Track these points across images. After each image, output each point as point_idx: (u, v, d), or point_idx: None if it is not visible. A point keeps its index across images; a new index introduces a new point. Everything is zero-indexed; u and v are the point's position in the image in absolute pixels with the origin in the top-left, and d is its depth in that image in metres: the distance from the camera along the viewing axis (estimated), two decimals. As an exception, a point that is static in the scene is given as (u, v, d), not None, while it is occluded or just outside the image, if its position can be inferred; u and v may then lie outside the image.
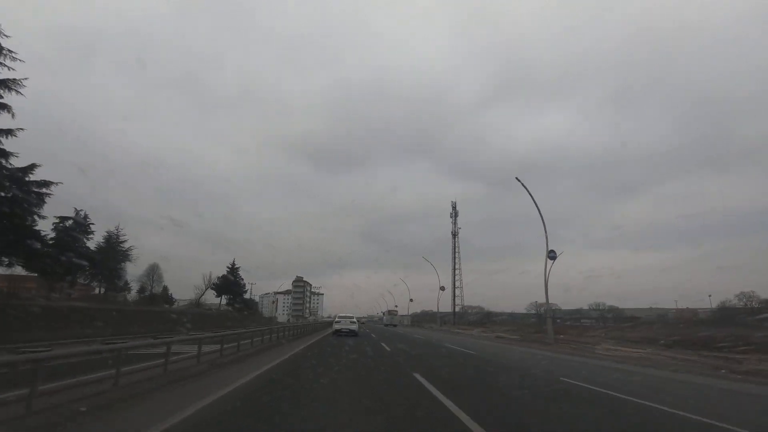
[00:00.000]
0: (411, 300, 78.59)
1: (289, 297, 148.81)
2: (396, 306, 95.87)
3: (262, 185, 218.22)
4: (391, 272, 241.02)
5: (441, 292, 74.19)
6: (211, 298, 75.53)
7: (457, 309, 75.07)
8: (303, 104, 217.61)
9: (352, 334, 29.28)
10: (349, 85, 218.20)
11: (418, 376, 10.27)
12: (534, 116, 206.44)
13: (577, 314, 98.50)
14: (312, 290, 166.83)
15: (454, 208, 78.06)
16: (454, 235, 75.43)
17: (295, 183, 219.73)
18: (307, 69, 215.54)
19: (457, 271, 73.78)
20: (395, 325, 78.16)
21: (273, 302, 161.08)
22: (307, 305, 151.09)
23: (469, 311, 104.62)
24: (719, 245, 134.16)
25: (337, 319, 32.14)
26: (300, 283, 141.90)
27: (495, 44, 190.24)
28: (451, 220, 77.27)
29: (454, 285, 73.51)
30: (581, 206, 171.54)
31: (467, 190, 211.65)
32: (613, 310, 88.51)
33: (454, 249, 74.00)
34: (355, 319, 32.47)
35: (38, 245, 22.44)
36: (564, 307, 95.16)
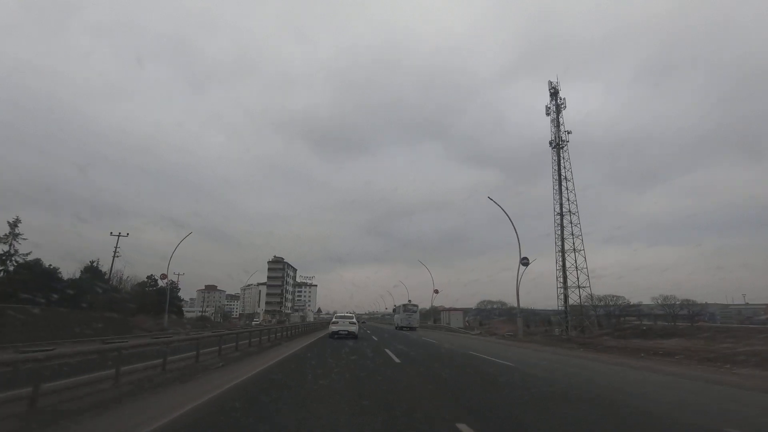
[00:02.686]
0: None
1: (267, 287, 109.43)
2: (436, 291, 55.44)
3: (259, 174, 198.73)
4: (395, 269, 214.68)
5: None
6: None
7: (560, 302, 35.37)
8: (304, 77, 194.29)
9: (351, 336, 24.68)
10: (356, 56, 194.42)
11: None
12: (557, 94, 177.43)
13: (634, 310, 69.84)
14: (297, 278, 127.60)
15: (554, 94, 38.49)
16: (556, 144, 35.82)
17: (295, 171, 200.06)
18: (310, 36, 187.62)
19: (569, 220, 34.09)
20: (414, 328, 48.80)
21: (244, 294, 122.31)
22: (289, 297, 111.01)
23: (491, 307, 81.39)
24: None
25: (334, 320, 26.83)
26: (278, 266, 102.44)
27: (521, 11, 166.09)
28: (548, 117, 37.75)
29: (563, 256, 33.85)
30: (600, 196, 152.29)
31: (481, 177, 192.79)
32: (688, 305, 62.42)
33: (560, 178, 34.49)
34: (354, 319, 27.11)
35: None
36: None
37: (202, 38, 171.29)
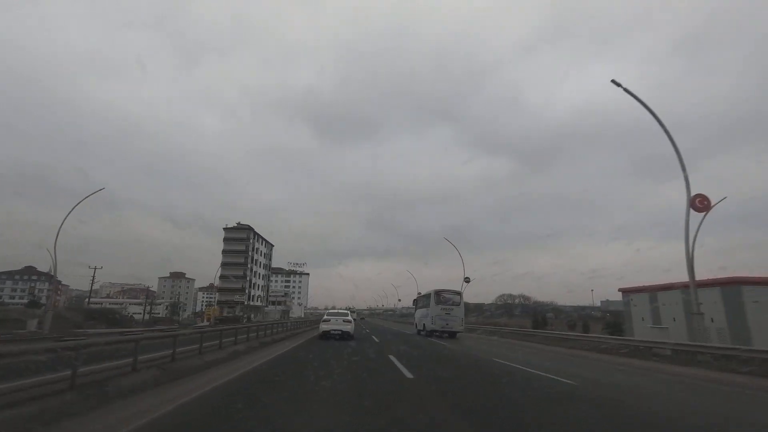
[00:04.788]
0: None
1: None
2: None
3: (256, 161, 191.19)
4: (397, 265, 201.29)
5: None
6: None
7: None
8: (308, 49, 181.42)
9: (346, 336, 20.54)
10: (365, 26, 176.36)
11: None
12: (581, 72, 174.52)
13: None
14: (286, 266, 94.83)
15: None
16: None
17: (295, 158, 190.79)
18: (314, 7, 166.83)
19: None
20: (455, 333, 27.99)
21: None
22: (260, 283, 77.21)
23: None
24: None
25: (325, 317, 22.39)
26: (239, 236, 68.62)
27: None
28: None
29: None
30: (619, 187, 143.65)
31: (491, 166, 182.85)
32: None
33: None
34: (350, 316, 22.82)
35: None
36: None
37: (191, 5, 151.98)
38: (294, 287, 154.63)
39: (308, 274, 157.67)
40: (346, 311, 24.60)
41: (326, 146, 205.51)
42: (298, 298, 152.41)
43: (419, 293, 48.17)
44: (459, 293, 29.54)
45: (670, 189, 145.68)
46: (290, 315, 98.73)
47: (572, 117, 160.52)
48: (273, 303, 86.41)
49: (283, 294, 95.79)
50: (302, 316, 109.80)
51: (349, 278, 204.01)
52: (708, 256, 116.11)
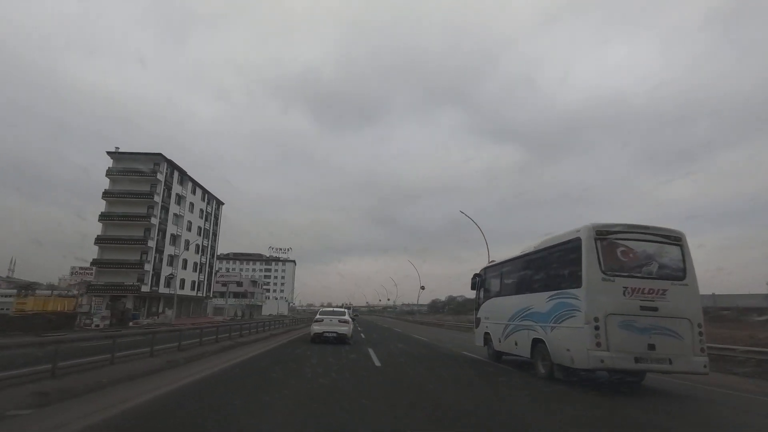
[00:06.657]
0: None
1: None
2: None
3: (251, 149, 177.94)
4: (398, 261, 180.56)
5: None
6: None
7: None
8: (307, 20, 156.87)
9: (342, 340, 17.17)
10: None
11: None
12: (600, 50, 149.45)
13: None
14: (211, 212, 69.61)
15: None
16: None
17: (292, 146, 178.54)
18: None
19: None
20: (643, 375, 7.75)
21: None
22: (183, 256, 46.09)
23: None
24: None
25: (318, 317, 19.26)
26: (138, 170, 37.18)
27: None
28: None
29: None
30: (623, 182, 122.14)
31: (499, 156, 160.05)
32: None
33: None
34: (347, 316, 19.41)
35: None
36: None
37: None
38: (276, 277, 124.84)
39: (294, 261, 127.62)
40: (342, 310, 21.04)
41: (327, 140, 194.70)
42: (281, 290, 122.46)
43: (491, 261, 17.76)
44: (679, 238, 7.24)
45: (674, 186, 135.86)
46: (258, 314, 69.02)
47: (589, 100, 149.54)
48: (223, 294, 56.47)
49: (236, 283, 64.65)
50: (285, 313, 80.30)
51: (349, 275, 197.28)
52: (710, 255, 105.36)
